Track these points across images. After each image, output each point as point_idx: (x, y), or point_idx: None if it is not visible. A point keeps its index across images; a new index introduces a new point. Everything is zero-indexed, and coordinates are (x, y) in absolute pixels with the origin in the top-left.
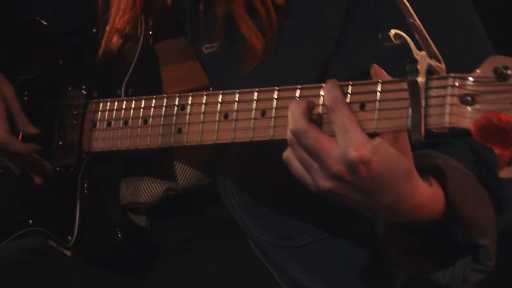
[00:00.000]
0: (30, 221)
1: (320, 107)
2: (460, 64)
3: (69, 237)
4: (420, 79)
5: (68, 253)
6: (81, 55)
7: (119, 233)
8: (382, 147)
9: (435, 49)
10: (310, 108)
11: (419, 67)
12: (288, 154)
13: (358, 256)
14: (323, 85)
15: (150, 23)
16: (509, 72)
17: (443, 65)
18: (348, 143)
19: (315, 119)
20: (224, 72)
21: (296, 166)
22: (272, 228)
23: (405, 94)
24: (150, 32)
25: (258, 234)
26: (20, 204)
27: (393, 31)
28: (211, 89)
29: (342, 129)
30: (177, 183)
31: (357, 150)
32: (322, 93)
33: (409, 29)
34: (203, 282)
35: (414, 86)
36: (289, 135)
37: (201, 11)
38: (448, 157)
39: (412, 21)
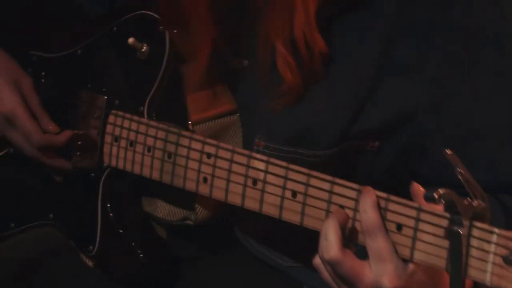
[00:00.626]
0: (51, 215)
1: (352, 212)
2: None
3: (91, 246)
4: (463, 231)
5: (90, 263)
6: (103, 53)
7: (140, 255)
8: (416, 275)
9: (480, 190)
10: (343, 226)
11: (462, 218)
12: (318, 262)
13: None
14: (358, 188)
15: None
16: None
17: (488, 205)
18: (383, 272)
19: (349, 232)
20: (253, 97)
21: (327, 277)
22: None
23: (446, 233)
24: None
25: (280, 262)
26: (41, 193)
27: (440, 191)
28: (237, 114)
29: (377, 257)
30: (196, 216)
31: (391, 282)
32: (356, 197)
33: None
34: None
35: (456, 237)
36: (320, 258)
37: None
38: None
39: (460, 170)
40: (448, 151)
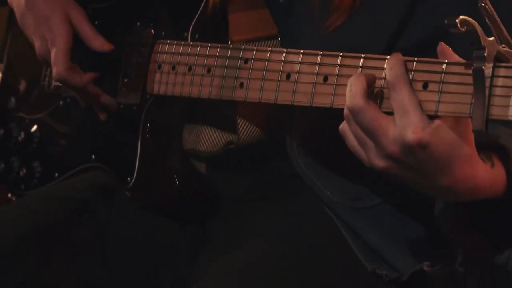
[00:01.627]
0: (93, 156)
1: (382, 81)
2: None
3: (128, 178)
4: (486, 68)
5: (128, 194)
6: None
7: (176, 180)
8: (442, 130)
9: (506, 34)
10: (370, 84)
11: (486, 54)
12: (344, 127)
13: (416, 219)
14: (387, 57)
15: None
16: None
17: None
18: (407, 124)
19: (375, 94)
20: (297, 24)
21: (351, 140)
22: (342, 190)
23: (470, 79)
24: None
25: (330, 196)
26: (84, 138)
27: (460, 17)
28: (279, 39)
29: (402, 109)
30: (238, 137)
31: (415, 133)
32: (385, 66)
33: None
34: (268, 233)
35: (479, 74)
36: (345, 110)
37: None
38: None
39: (484, 4)
40: None
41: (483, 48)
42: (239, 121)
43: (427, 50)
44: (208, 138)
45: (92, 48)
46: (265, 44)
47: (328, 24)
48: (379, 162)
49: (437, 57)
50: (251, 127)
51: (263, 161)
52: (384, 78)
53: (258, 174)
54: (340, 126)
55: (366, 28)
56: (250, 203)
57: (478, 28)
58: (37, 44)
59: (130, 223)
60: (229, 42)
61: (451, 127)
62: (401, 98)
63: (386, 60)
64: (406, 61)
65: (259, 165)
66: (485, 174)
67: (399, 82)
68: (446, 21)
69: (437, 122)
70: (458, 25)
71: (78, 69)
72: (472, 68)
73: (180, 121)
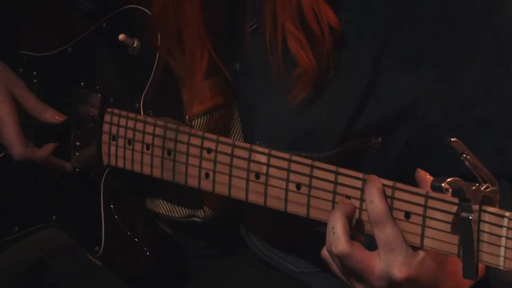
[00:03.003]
0: (54, 217)
1: (358, 202)
2: None
3: (96, 247)
4: (473, 217)
5: (97, 263)
6: (94, 50)
7: (147, 252)
8: (426, 261)
9: (489, 174)
10: (350, 218)
11: (472, 205)
12: (326, 255)
13: None
14: (363, 177)
15: None
16: None
17: (496, 187)
18: (392, 262)
19: (355, 226)
20: (249, 93)
21: (335, 269)
22: (301, 259)
23: (456, 219)
24: None
25: (292, 268)
26: (42, 196)
27: (447, 181)
28: (235, 108)
29: (386, 247)
30: (203, 213)
31: (402, 271)
32: (362, 187)
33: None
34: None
35: (467, 224)
36: (328, 251)
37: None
38: None
39: (465, 155)
40: (453, 139)
41: (468, 200)
42: (204, 199)
43: (389, 126)
44: (170, 209)
45: (42, 121)
46: (224, 113)
47: (290, 99)
48: None
49: (400, 134)
50: (216, 203)
51: (225, 227)
52: (362, 199)
53: (220, 233)
54: (322, 253)
55: (325, 110)
56: (218, 258)
57: (463, 183)
58: None
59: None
60: (186, 117)
61: (434, 255)
62: (385, 235)
63: (364, 188)
64: (384, 185)
65: (222, 233)
66: (469, 282)
67: (381, 219)
68: (431, 186)
69: (421, 254)
70: (444, 190)
71: (32, 144)
72: (460, 216)
73: (141, 187)
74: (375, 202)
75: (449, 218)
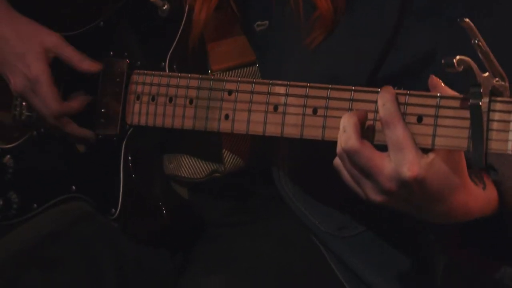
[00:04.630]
0: (73, 187)
1: (374, 114)
2: None
3: (113, 209)
4: (483, 104)
5: (114, 225)
6: (125, 19)
7: (164, 211)
8: (436, 164)
9: (499, 67)
10: (362, 122)
11: (482, 90)
12: (338, 162)
13: (401, 245)
14: (379, 90)
15: None
16: None
17: (507, 84)
18: (403, 161)
19: (367, 129)
20: (276, 51)
21: (346, 176)
22: (330, 219)
23: (465, 113)
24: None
25: (318, 226)
26: (62, 169)
27: (457, 58)
28: (257, 65)
29: (396, 146)
30: (224, 166)
31: (411, 170)
32: (377, 100)
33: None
34: (251, 257)
35: (476, 110)
36: (339, 150)
37: None
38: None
39: (477, 42)
40: (465, 19)
41: (479, 85)
42: (224, 150)
43: (411, 76)
44: (190, 166)
45: (80, 71)
46: (246, 71)
47: (309, 41)
48: (376, 197)
49: (422, 82)
50: (237, 155)
51: (248, 187)
52: (376, 111)
53: (242, 199)
54: (334, 162)
55: (349, 58)
56: (233, 227)
57: (474, 65)
58: (12, 80)
59: (113, 245)
60: (209, 72)
61: (444, 158)
62: (395, 135)
63: (378, 96)
64: (398, 94)
65: (244, 190)
66: (478, 198)
67: (392, 120)
68: (443, 60)
69: (431, 156)
70: (456, 65)
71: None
72: (469, 103)
73: (161, 148)
74: (387, 105)
75: (460, 113)
